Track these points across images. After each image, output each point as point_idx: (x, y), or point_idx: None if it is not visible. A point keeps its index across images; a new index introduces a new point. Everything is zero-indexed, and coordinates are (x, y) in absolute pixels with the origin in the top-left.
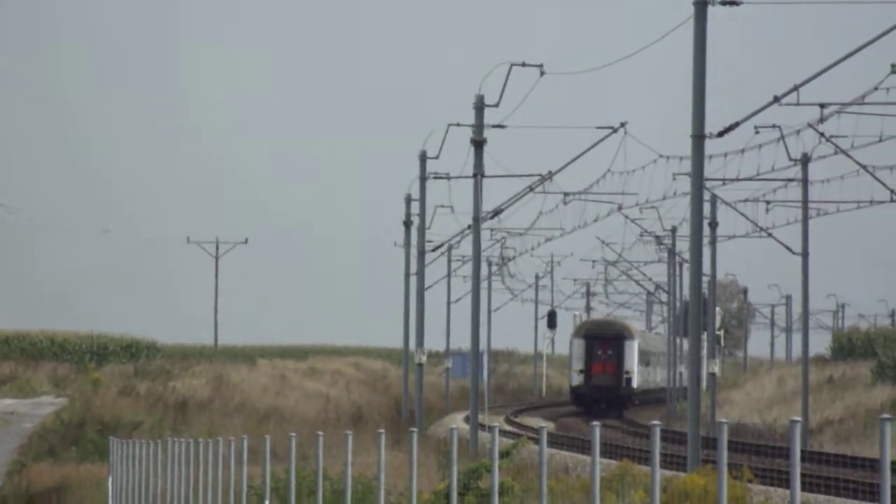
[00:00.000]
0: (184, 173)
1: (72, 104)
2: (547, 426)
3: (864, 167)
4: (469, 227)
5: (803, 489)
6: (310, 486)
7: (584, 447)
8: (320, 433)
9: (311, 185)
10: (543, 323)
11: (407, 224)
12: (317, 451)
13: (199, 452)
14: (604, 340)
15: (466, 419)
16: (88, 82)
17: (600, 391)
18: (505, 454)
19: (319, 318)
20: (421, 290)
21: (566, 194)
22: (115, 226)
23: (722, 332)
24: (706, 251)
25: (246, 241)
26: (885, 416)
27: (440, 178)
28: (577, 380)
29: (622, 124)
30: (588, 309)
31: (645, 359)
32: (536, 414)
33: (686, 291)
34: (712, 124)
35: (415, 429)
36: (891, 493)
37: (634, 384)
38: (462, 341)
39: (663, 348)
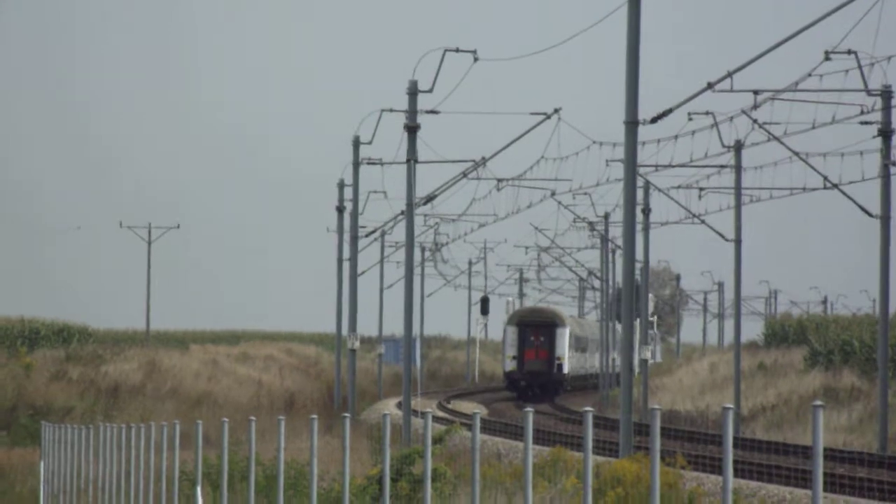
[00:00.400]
0: (115, 159)
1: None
2: (480, 412)
3: (797, 154)
4: (402, 212)
5: (736, 476)
6: (242, 471)
7: (517, 433)
8: (253, 418)
9: (244, 169)
10: (476, 309)
11: (340, 209)
12: (249, 436)
13: (132, 437)
14: (536, 327)
15: (399, 405)
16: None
17: (533, 377)
18: (437, 440)
19: (252, 304)
20: (354, 275)
21: (499, 180)
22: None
23: (655, 319)
24: (639, 237)
25: (178, 227)
26: (818, 402)
27: (373, 163)
28: (511, 365)
29: (556, 110)
30: (521, 295)
31: (576, 345)
32: (470, 399)
33: (619, 278)
34: (646, 111)
35: (347, 414)
36: (823, 480)
37: (566, 370)
38: (395, 327)
39: (596, 335)
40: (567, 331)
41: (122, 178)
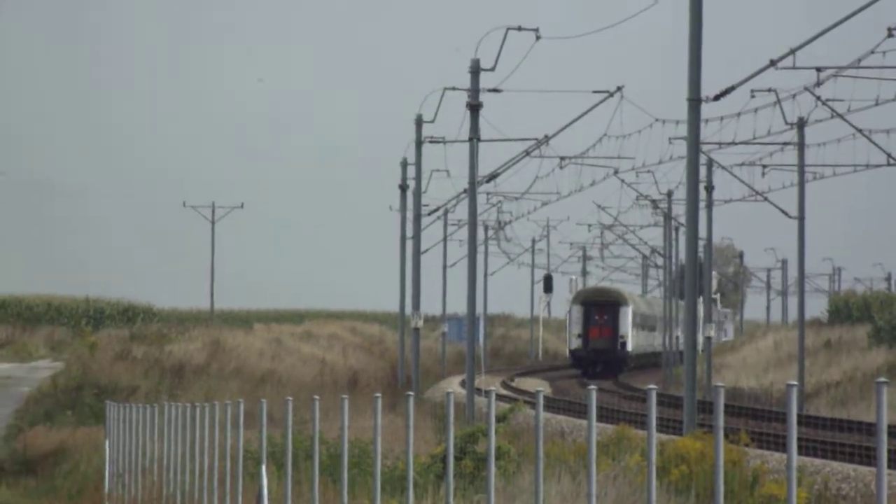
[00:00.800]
0: (181, 136)
1: (98, 65)
2: (543, 390)
3: (861, 131)
4: (465, 191)
5: (800, 453)
6: (306, 450)
7: (581, 411)
8: (317, 397)
9: (308, 148)
10: (540, 287)
11: (403, 188)
12: (313, 415)
13: (196, 417)
14: (600, 306)
15: (463, 383)
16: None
17: (597, 354)
18: (501, 418)
19: (315, 283)
20: (417, 254)
21: (562, 158)
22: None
23: (719, 296)
24: (702, 215)
25: (242, 206)
26: (882, 379)
27: (436, 142)
28: (576, 343)
29: (618, 88)
30: (584, 273)
31: (640, 323)
32: (533, 377)
33: (682, 255)
34: (708, 88)
35: (411, 393)
36: (888, 457)
37: (629, 347)
38: (458, 305)
39: (660, 312)
40: (630, 309)
41: (186, 159)
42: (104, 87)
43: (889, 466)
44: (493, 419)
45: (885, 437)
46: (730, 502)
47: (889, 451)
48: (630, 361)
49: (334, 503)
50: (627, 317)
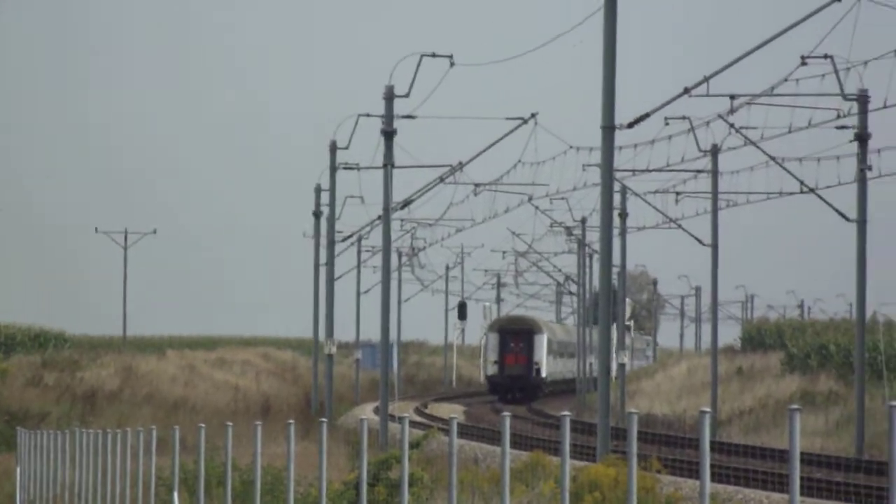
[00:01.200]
0: (92, 163)
1: None
2: (457, 417)
3: (774, 158)
4: (379, 217)
5: (713, 480)
6: (219, 476)
7: (494, 438)
8: (229, 424)
9: (221, 174)
10: (454, 314)
11: (317, 214)
12: (226, 441)
13: (108, 443)
14: (515, 334)
15: (376, 410)
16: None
17: (513, 380)
18: (415, 445)
19: (229, 309)
20: (331, 280)
21: (476, 185)
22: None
23: (632, 323)
24: (616, 242)
25: (154, 232)
26: (794, 406)
27: (350, 168)
28: (492, 370)
29: (532, 115)
30: (498, 300)
31: (555, 350)
32: (450, 403)
33: (596, 282)
34: (622, 115)
35: (324, 419)
36: (800, 484)
37: (544, 374)
38: (372, 332)
39: (573, 339)
40: (545, 337)
41: (97, 183)
42: (12, 110)
43: (801, 493)
44: (406, 446)
45: (797, 463)
46: None
47: (801, 478)
48: (545, 387)
49: None
50: (542, 344)
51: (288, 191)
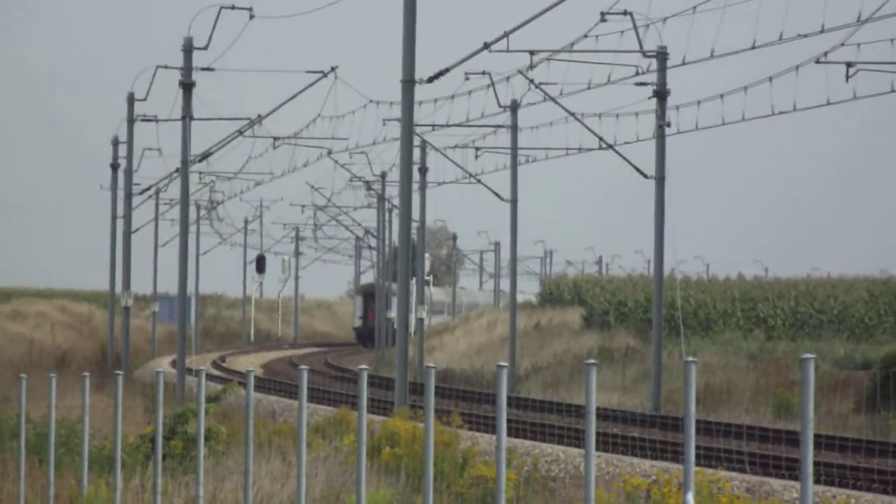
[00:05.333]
0: None
1: None
2: (254, 371)
3: (573, 114)
4: (177, 170)
5: (510, 435)
6: (12, 429)
7: (293, 392)
8: (23, 376)
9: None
10: (252, 267)
11: (114, 167)
12: (20, 394)
13: None
14: (374, 296)
15: (173, 363)
16: None
17: (372, 332)
18: (212, 399)
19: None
20: (128, 233)
21: (276, 138)
22: None
23: (431, 278)
24: (415, 197)
25: None
26: (591, 361)
27: (148, 120)
28: (358, 323)
29: (332, 69)
30: (297, 254)
31: None
32: (246, 357)
33: (395, 237)
34: (423, 70)
35: (120, 372)
36: (596, 439)
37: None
38: (170, 285)
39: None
40: (395, 299)
41: None
42: None
43: (598, 448)
44: (202, 399)
45: (593, 418)
46: (440, 483)
47: (598, 433)
48: None
49: (41, 483)
50: (394, 303)
51: (85, 143)
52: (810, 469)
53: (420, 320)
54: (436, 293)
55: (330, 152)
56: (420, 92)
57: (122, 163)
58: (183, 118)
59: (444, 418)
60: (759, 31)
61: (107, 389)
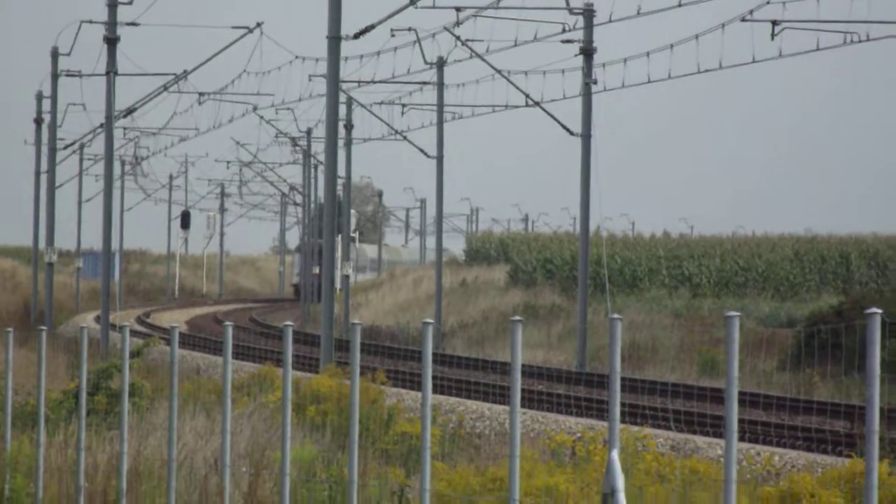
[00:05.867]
0: None
1: None
2: (179, 326)
3: (500, 71)
4: (101, 125)
5: (435, 392)
6: None
7: (218, 348)
8: None
9: None
10: (177, 223)
11: (38, 122)
12: None
13: None
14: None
15: (98, 319)
16: None
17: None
18: (136, 354)
19: None
20: (51, 188)
21: (201, 94)
22: None
23: (357, 234)
24: (341, 153)
25: None
26: (517, 318)
27: (73, 75)
28: (296, 280)
29: (258, 24)
30: (222, 210)
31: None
32: (171, 313)
33: (321, 193)
34: (349, 26)
35: (44, 328)
36: (521, 395)
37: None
38: (94, 241)
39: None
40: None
41: None
42: None
43: (523, 405)
44: (126, 354)
45: (518, 375)
46: (365, 440)
47: (523, 390)
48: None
49: None
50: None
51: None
52: (734, 426)
53: (346, 277)
54: (369, 250)
55: (255, 108)
56: (346, 48)
57: (46, 118)
58: (107, 73)
59: (370, 375)
60: None
61: (30, 345)
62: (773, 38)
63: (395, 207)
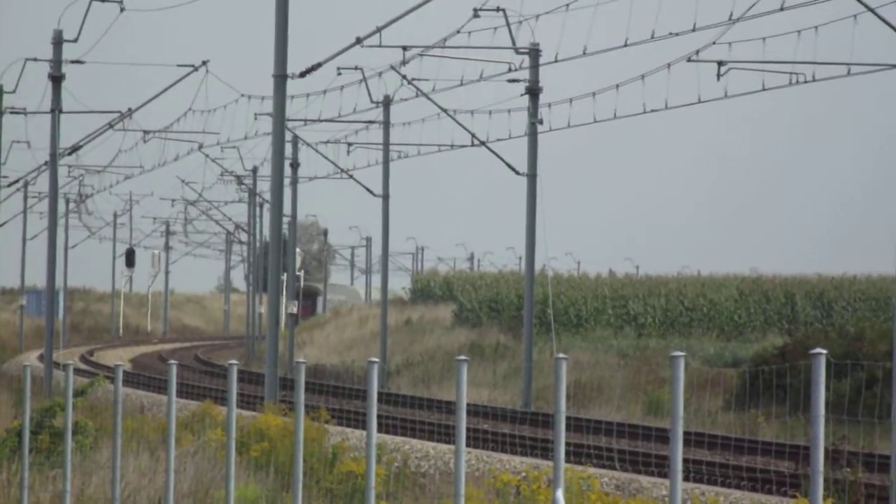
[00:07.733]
0: None
1: None
2: (123, 365)
3: (446, 110)
4: (46, 163)
5: (380, 431)
6: None
7: (162, 387)
8: None
9: None
10: (122, 261)
11: None
12: None
13: None
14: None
15: (41, 357)
16: None
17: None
18: (80, 392)
19: None
20: None
21: (146, 132)
22: None
23: (302, 273)
24: (287, 192)
25: None
26: (462, 357)
27: (17, 112)
28: None
29: (204, 62)
30: (167, 248)
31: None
32: (115, 352)
33: (266, 232)
34: (295, 64)
35: None
36: (466, 435)
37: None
38: (38, 278)
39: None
40: (320, 298)
41: None
42: None
43: (468, 444)
44: (70, 393)
45: (464, 414)
46: (309, 479)
47: (468, 429)
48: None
49: None
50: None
51: None
52: (679, 466)
53: (292, 315)
54: (361, 292)
55: (201, 146)
56: (292, 86)
57: None
58: (52, 111)
59: (313, 413)
60: (632, 30)
61: None
62: (718, 79)
63: (341, 246)
